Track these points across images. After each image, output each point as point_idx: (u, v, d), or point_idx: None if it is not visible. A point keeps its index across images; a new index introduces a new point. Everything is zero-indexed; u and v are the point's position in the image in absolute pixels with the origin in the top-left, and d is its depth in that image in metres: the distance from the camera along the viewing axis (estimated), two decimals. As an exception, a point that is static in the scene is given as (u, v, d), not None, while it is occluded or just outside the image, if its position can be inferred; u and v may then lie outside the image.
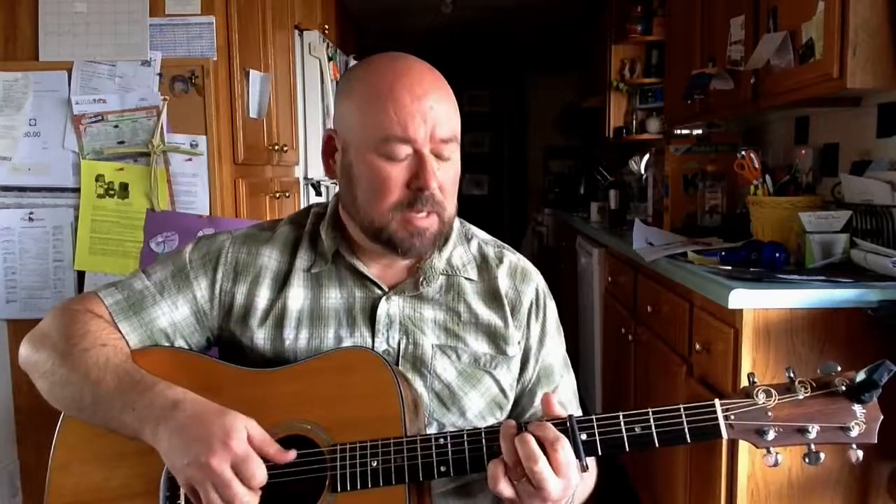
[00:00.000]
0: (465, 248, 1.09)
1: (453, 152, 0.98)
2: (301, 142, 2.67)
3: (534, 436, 0.84)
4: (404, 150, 0.94)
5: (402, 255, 1.00)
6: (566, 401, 1.10)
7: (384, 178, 0.94)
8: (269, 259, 1.06)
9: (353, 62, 3.23)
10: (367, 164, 0.95)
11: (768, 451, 0.86)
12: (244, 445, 0.85)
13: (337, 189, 1.06)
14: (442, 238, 1.02)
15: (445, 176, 0.97)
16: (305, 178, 2.70)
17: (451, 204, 1.00)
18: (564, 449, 0.84)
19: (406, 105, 0.92)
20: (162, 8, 1.85)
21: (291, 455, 0.89)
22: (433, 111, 0.94)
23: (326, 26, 3.08)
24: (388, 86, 0.93)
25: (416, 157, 0.94)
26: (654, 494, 2.35)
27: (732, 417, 0.86)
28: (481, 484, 1.04)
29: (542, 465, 0.82)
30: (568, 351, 1.17)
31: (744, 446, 1.62)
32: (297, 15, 2.67)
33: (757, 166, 2.16)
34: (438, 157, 0.96)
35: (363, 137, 0.95)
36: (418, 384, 1.01)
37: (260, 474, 0.86)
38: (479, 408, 1.04)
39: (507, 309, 1.06)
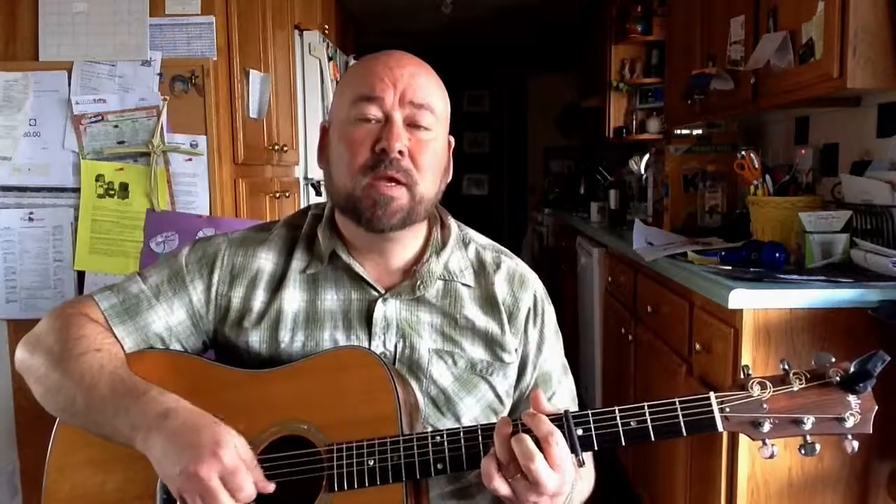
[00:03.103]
0: (462, 253, 1.08)
1: (432, 125, 0.98)
2: (301, 142, 2.67)
3: (528, 432, 0.84)
4: (373, 111, 0.95)
5: (368, 227, 0.97)
6: (564, 406, 1.09)
7: (352, 140, 0.96)
8: (266, 261, 1.05)
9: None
10: (341, 132, 0.98)
11: (764, 443, 0.87)
12: (234, 457, 0.85)
13: None
14: (414, 217, 0.99)
15: (419, 146, 0.96)
16: (305, 178, 2.70)
17: (425, 180, 0.97)
18: (559, 443, 0.84)
19: (377, 71, 0.97)
20: (162, 8, 1.84)
21: (270, 487, 0.88)
22: (405, 77, 0.96)
23: (326, 26, 3.08)
24: (368, 61, 0.99)
25: (386, 121, 0.96)
26: (654, 495, 2.35)
27: (728, 410, 0.86)
28: (480, 486, 1.04)
29: (539, 463, 0.82)
30: (568, 351, 1.16)
31: (743, 447, 1.62)
32: (297, 15, 2.67)
33: (757, 166, 2.16)
34: (412, 124, 0.96)
35: (339, 109, 0.99)
36: (414, 388, 1.00)
37: (248, 488, 0.84)
38: (475, 413, 1.03)
39: (505, 316, 1.06)
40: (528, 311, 1.08)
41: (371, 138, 0.95)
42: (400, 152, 0.94)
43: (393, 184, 0.95)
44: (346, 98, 0.98)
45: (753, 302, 1.60)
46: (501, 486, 0.84)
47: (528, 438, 0.83)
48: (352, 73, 1.02)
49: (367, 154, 0.95)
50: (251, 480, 0.85)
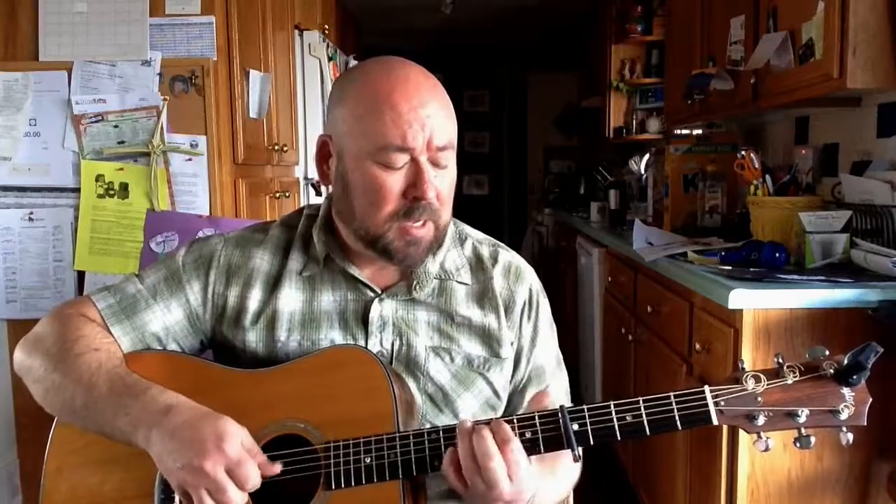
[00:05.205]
0: (458, 251, 1.09)
1: (450, 160, 0.98)
2: (301, 142, 2.67)
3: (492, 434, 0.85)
4: (402, 159, 0.93)
5: (398, 264, 1.00)
6: (558, 400, 1.10)
7: (380, 187, 0.94)
8: (261, 261, 1.05)
9: (353, 62, 3.23)
10: (364, 172, 0.95)
11: (759, 437, 0.87)
12: (238, 449, 0.85)
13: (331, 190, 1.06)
14: (436, 245, 1.02)
15: (442, 184, 0.97)
16: (305, 178, 2.70)
17: (446, 212, 0.99)
18: (514, 451, 0.84)
19: (404, 114, 0.92)
20: (162, 8, 1.84)
21: (276, 468, 0.89)
22: (431, 119, 0.93)
23: (326, 26, 3.08)
24: (386, 94, 0.93)
25: (414, 166, 0.94)
26: (654, 494, 2.35)
27: (722, 403, 0.87)
28: None
29: (497, 464, 0.83)
30: (568, 350, 1.16)
31: (743, 446, 1.62)
32: (297, 15, 2.67)
33: (757, 166, 2.16)
34: (435, 165, 0.95)
35: (360, 145, 0.94)
36: (411, 386, 1.01)
37: (254, 478, 0.85)
38: (473, 410, 1.04)
39: (502, 309, 1.06)
40: (524, 304, 1.09)
41: (400, 184, 0.94)
42: (431, 197, 0.95)
43: (421, 223, 0.96)
44: (370, 137, 0.93)
45: (753, 302, 1.60)
46: (458, 484, 0.85)
47: (489, 438, 0.84)
48: (367, 101, 0.94)
49: (398, 202, 0.95)
50: (257, 470, 0.86)
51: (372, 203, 0.95)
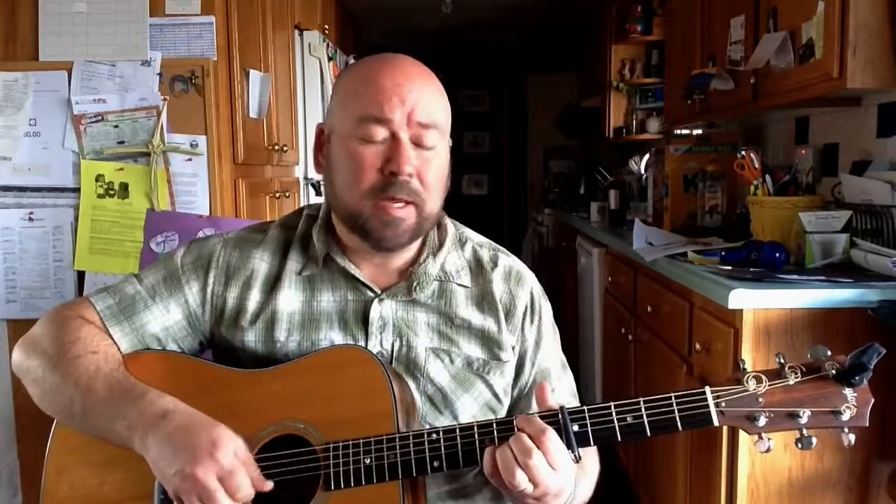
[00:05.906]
0: (458, 253, 1.09)
1: (436, 142, 0.97)
2: (301, 142, 2.67)
3: (523, 432, 0.85)
4: (381, 132, 0.94)
5: (375, 246, 0.98)
6: (565, 402, 1.09)
7: (359, 161, 0.94)
8: (261, 262, 1.05)
9: (353, 62, 3.23)
10: (346, 148, 0.96)
11: (760, 437, 0.87)
12: (231, 457, 0.85)
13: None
14: (421, 232, 1.01)
15: (425, 165, 0.96)
16: (305, 178, 2.70)
17: (432, 198, 0.98)
18: (552, 440, 0.84)
19: (386, 88, 0.94)
20: (162, 8, 1.84)
21: (268, 486, 0.88)
22: (412, 94, 0.94)
23: (326, 26, 3.08)
24: (373, 73, 0.95)
25: (393, 141, 0.94)
26: (654, 495, 2.35)
27: (723, 404, 0.87)
28: (478, 486, 1.04)
29: (538, 459, 0.82)
30: (568, 351, 1.16)
31: (743, 446, 1.62)
32: (297, 15, 2.67)
33: (757, 166, 2.16)
34: (418, 144, 0.95)
35: (343, 121, 0.97)
36: (411, 387, 1.00)
37: (245, 488, 0.85)
38: (472, 412, 1.03)
39: (502, 313, 1.06)
40: (526, 309, 1.08)
41: (378, 159, 0.94)
42: (409, 174, 0.94)
43: (401, 204, 0.95)
44: (351, 112, 0.95)
45: (753, 302, 1.60)
46: (505, 489, 0.85)
47: (524, 435, 0.84)
48: (356, 82, 0.98)
49: (375, 176, 0.94)
50: (249, 480, 0.85)
51: (350, 177, 0.95)
